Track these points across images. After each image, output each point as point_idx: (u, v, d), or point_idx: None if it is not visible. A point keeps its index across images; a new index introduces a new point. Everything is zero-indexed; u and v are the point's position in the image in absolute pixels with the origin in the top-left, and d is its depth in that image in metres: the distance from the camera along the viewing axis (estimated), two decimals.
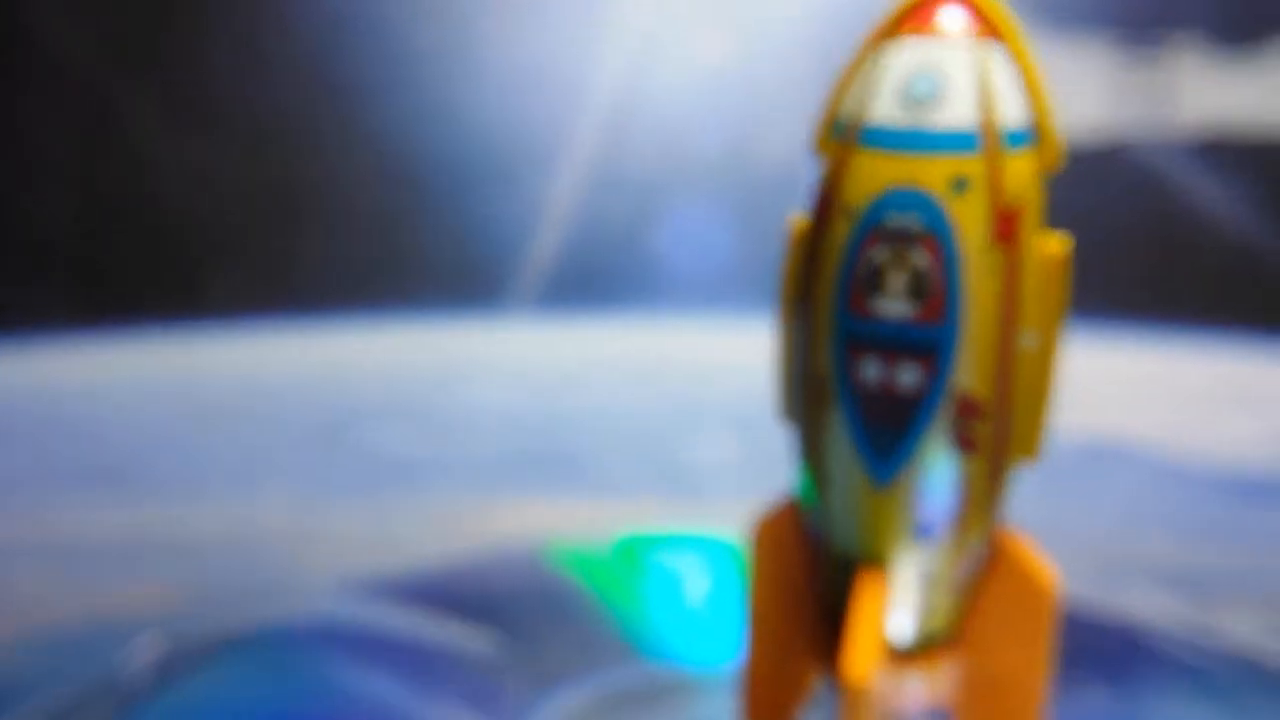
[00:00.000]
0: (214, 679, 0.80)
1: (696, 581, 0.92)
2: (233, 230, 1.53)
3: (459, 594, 0.91)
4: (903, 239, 0.48)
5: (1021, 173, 0.48)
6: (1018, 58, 0.47)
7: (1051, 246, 0.49)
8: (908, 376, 0.50)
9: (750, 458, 1.02)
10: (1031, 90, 0.48)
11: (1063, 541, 1.00)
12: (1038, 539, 1.02)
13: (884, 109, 0.48)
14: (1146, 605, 0.92)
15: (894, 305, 0.49)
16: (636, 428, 1.29)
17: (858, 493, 0.52)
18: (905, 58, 0.48)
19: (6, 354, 1.44)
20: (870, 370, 0.50)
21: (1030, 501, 1.09)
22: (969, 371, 0.49)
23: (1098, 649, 0.83)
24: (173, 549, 1.05)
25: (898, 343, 0.49)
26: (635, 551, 0.96)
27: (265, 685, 0.79)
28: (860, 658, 0.52)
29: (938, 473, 0.51)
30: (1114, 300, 1.43)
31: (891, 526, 0.52)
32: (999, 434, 0.51)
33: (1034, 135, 0.48)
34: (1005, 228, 0.48)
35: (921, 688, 0.58)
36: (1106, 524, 1.08)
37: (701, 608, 0.88)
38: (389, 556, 1.01)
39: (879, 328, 0.49)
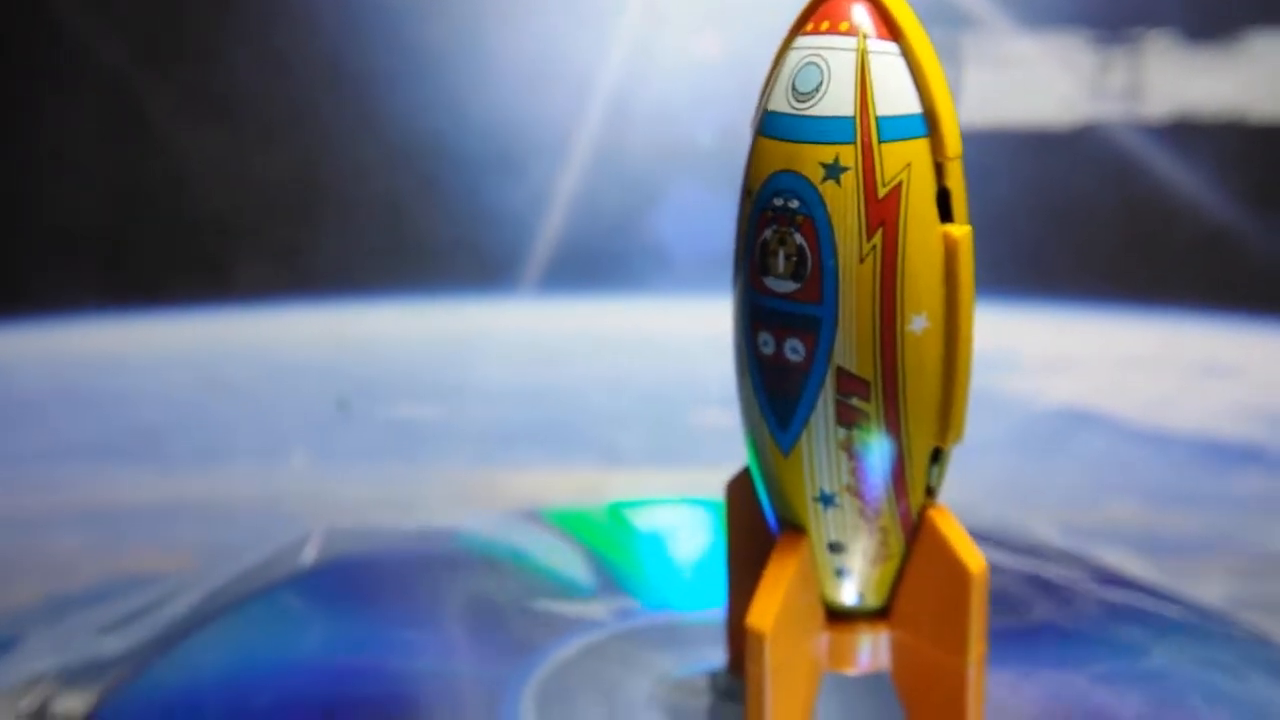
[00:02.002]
0: (237, 632, 0.81)
1: (685, 538, 0.94)
2: (253, 216, 1.56)
3: (463, 551, 0.95)
4: (785, 220, 0.49)
5: (901, 160, 0.48)
6: (912, 53, 0.48)
7: (949, 233, 0.49)
8: (793, 351, 0.51)
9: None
10: (922, 84, 0.48)
11: (1036, 503, 1.05)
12: (1014, 500, 1.07)
13: (777, 100, 0.50)
14: (1114, 564, 0.96)
15: (780, 283, 0.50)
16: (637, 401, 1.32)
17: (769, 458, 0.54)
18: (801, 53, 0.49)
19: (40, 333, 1.47)
20: (766, 344, 0.52)
21: (1007, 465, 1.14)
22: (848, 350, 0.50)
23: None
24: (198, 513, 1.09)
25: (785, 319, 0.50)
26: (628, 513, 0.98)
27: (287, 636, 0.81)
28: (760, 608, 0.54)
29: (828, 445, 0.52)
30: (1089, 277, 1.45)
31: (797, 492, 0.54)
32: (891, 414, 0.51)
33: (925, 125, 0.48)
34: (880, 213, 0.48)
35: (864, 650, 0.58)
36: (1079, 488, 1.11)
37: (690, 561, 0.90)
38: (401, 518, 1.05)
39: (770, 303, 0.51)
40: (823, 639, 0.58)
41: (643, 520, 0.96)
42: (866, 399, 0.51)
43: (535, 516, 0.98)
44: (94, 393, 1.38)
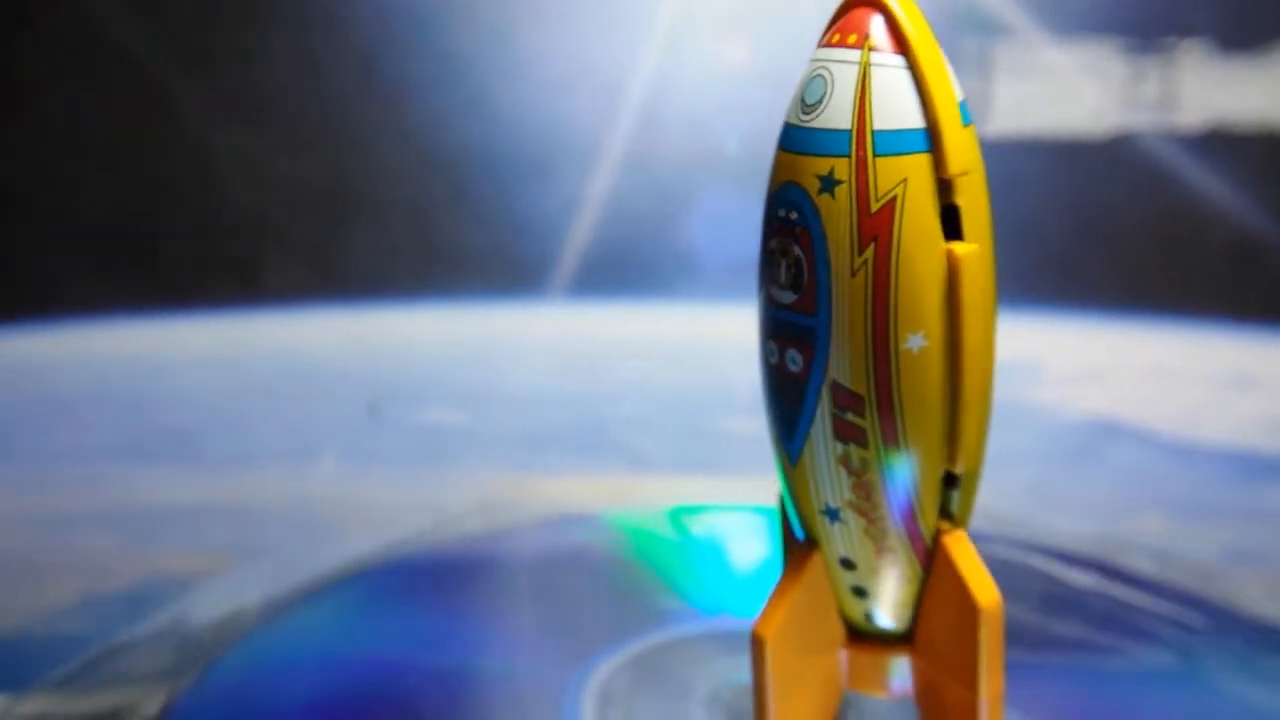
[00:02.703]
0: (280, 630, 0.84)
1: (745, 544, 0.95)
2: (284, 219, 1.57)
3: (505, 556, 0.96)
4: (787, 231, 0.49)
5: (896, 175, 0.47)
6: (917, 67, 0.48)
7: (952, 251, 0.48)
8: (793, 362, 0.50)
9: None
10: (926, 99, 0.47)
11: (1064, 513, 1.05)
12: (1042, 510, 1.07)
13: (792, 112, 0.49)
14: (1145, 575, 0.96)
15: (783, 293, 0.50)
16: (666, 406, 1.32)
17: (783, 468, 0.54)
18: (814, 65, 0.49)
19: (73, 334, 1.48)
20: (772, 353, 0.51)
21: (1034, 475, 1.14)
22: (842, 364, 0.49)
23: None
24: (229, 515, 1.10)
25: (786, 329, 0.50)
26: (688, 519, 0.99)
27: (330, 634, 0.83)
28: (765, 616, 0.54)
29: (828, 459, 0.51)
30: (1119, 287, 1.45)
31: (806, 504, 0.53)
32: (889, 432, 0.50)
33: (926, 141, 0.47)
34: (873, 227, 0.47)
35: (895, 675, 0.57)
36: (1107, 499, 1.11)
37: (749, 566, 0.91)
38: (430, 522, 1.05)
39: (775, 313, 0.51)
40: (841, 656, 0.58)
41: (702, 526, 0.97)
42: (861, 415, 0.50)
43: (596, 520, 0.98)
44: (126, 394, 1.39)
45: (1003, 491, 1.07)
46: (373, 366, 1.44)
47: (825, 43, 0.49)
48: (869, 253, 0.48)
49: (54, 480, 1.18)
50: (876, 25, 0.48)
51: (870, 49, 0.48)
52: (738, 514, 0.99)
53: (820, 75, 0.49)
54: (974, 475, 0.54)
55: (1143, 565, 0.97)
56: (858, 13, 0.49)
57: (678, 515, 0.99)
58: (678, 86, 1.53)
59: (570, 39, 1.55)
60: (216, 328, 1.50)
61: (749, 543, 0.95)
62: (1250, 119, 1.44)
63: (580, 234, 1.52)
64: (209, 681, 0.77)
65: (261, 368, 1.44)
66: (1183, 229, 1.46)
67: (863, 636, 0.58)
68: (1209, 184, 1.44)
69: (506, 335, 1.47)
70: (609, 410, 1.32)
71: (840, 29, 0.49)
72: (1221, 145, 1.44)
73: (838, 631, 0.57)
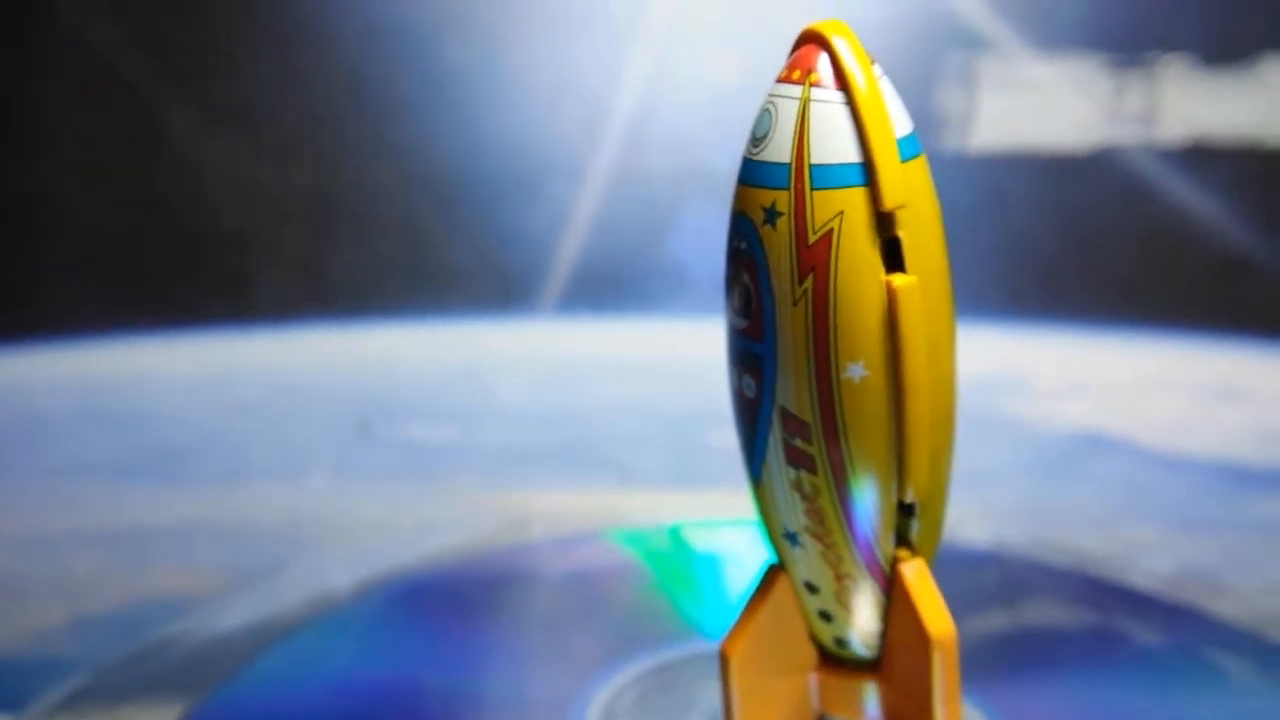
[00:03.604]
0: (273, 654, 0.84)
1: (741, 560, 0.94)
2: (272, 236, 1.57)
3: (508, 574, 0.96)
4: (738, 260, 0.51)
5: (832, 208, 0.48)
6: (854, 102, 0.48)
7: (890, 283, 0.49)
8: (748, 387, 0.52)
9: None
10: (861, 135, 0.48)
11: (1053, 526, 1.06)
12: (1036, 523, 1.07)
13: (747, 145, 0.51)
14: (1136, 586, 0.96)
15: (737, 319, 0.51)
16: (655, 421, 1.32)
17: (751, 489, 0.55)
18: (765, 100, 0.50)
19: (60, 353, 1.48)
20: (733, 377, 0.53)
21: (1022, 489, 1.15)
22: (788, 390, 0.50)
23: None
24: (218, 533, 1.10)
25: (741, 354, 0.52)
26: (686, 537, 1.00)
27: (334, 655, 0.84)
28: (731, 634, 0.56)
29: (783, 484, 0.52)
30: (1104, 300, 1.46)
31: (770, 526, 0.55)
32: (836, 459, 0.51)
33: (863, 175, 0.48)
34: (810, 258, 0.48)
35: (868, 699, 0.58)
36: (1096, 511, 1.11)
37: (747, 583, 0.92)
38: (421, 539, 1.05)
39: (734, 338, 0.52)
40: (812, 679, 0.58)
41: (703, 542, 0.97)
42: (809, 441, 0.51)
43: (598, 536, 0.99)
44: (114, 413, 1.39)
45: (989, 505, 1.08)
46: (362, 383, 1.44)
47: (778, 78, 0.50)
48: (808, 283, 0.49)
49: (42, 499, 1.18)
50: (821, 61, 0.49)
51: (812, 84, 0.49)
52: (736, 529, 0.99)
53: (768, 110, 0.50)
54: (935, 505, 0.54)
55: (1130, 576, 0.97)
56: (806, 49, 0.50)
57: (677, 532, 1.00)
58: (665, 102, 1.54)
59: (558, 55, 1.56)
60: (205, 345, 1.50)
61: (749, 559, 0.95)
62: (1232, 133, 1.45)
63: (568, 250, 1.52)
64: (218, 702, 0.77)
65: (251, 385, 1.44)
66: (1166, 242, 1.47)
67: (835, 660, 0.58)
68: (1192, 197, 1.45)
69: (495, 351, 1.47)
70: (598, 426, 1.32)
71: (789, 65, 0.50)
72: (1204, 159, 1.45)
73: (809, 654, 0.58)
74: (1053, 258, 1.49)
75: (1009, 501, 1.10)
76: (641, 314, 1.49)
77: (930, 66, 1.47)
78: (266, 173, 1.58)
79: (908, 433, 0.50)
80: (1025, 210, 1.48)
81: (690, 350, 1.43)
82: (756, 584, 0.57)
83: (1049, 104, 1.48)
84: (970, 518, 1.02)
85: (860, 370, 0.49)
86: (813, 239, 0.48)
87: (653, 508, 1.11)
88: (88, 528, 1.12)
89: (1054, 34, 1.48)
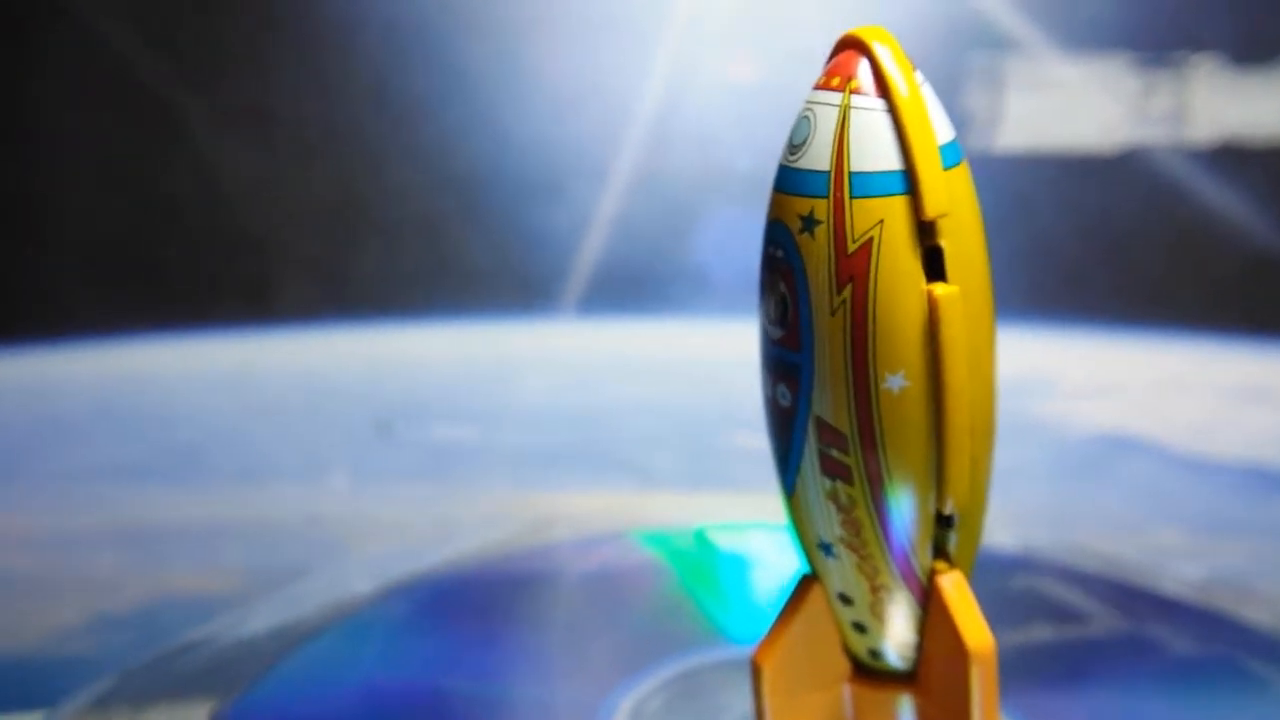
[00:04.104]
0: (298, 657, 0.84)
1: (769, 564, 0.95)
2: (293, 237, 1.57)
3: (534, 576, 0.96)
4: (775, 269, 0.50)
5: (872, 217, 0.48)
6: (896, 110, 0.48)
7: (932, 292, 0.48)
8: (783, 396, 0.51)
9: None
10: (904, 143, 0.48)
11: (1078, 528, 1.05)
12: (1062, 526, 1.06)
13: (783, 152, 0.50)
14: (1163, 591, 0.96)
15: (773, 328, 0.51)
16: (674, 423, 1.32)
17: (784, 498, 0.54)
18: (804, 106, 0.50)
19: (83, 354, 1.49)
20: (767, 385, 0.52)
21: (1047, 490, 1.14)
22: (825, 401, 0.49)
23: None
24: (238, 534, 1.10)
25: (776, 363, 0.51)
26: (711, 539, 0.99)
27: (360, 658, 0.83)
28: (763, 644, 0.55)
29: (818, 494, 0.52)
30: (1132, 301, 1.45)
31: (804, 537, 0.54)
32: (874, 470, 0.50)
33: (904, 184, 0.48)
34: (849, 268, 0.48)
35: (903, 713, 0.57)
36: (1121, 513, 1.11)
37: (776, 587, 0.92)
38: (441, 541, 1.06)
39: (769, 347, 0.51)
40: (846, 690, 0.58)
41: (728, 545, 0.97)
42: (846, 452, 0.50)
43: (622, 538, 0.99)
44: (136, 414, 1.39)
45: (1015, 508, 1.07)
46: (383, 384, 1.44)
47: (816, 84, 0.50)
48: (847, 293, 0.48)
49: (64, 500, 1.19)
50: (861, 68, 0.49)
51: (852, 91, 0.49)
52: (763, 533, 0.99)
53: (806, 117, 0.49)
54: (973, 516, 0.54)
55: (1158, 581, 0.97)
56: (845, 55, 0.49)
57: (702, 535, 1.00)
58: (687, 103, 1.54)
59: (580, 56, 1.56)
60: (227, 346, 1.50)
61: (774, 562, 0.95)
62: (1261, 133, 1.44)
63: (590, 251, 1.52)
64: (246, 704, 0.78)
65: (272, 386, 1.45)
66: (1194, 243, 1.46)
67: (869, 672, 0.58)
68: (1220, 198, 1.44)
69: (516, 352, 1.48)
70: (617, 427, 1.32)
71: (828, 71, 0.49)
72: (1232, 159, 1.44)
73: (842, 665, 0.57)
74: (1079, 259, 1.48)
75: (1035, 504, 1.10)
76: (662, 315, 1.49)
77: (957, 67, 1.47)
78: (287, 174, 1.58)
79: (948, 444, 0.50)
80: (1052, 211, 1.47)
81: (710, 352, 1.43)
82: (789, 594, 0.57)
83: (1076, 104, 1.47)
84: (996, 521, 1.01)
85: (900, 381, 0.49)
86: (852, 248, 0.48)
87: (671, 509, 1.11)
88: (107, 528, 1.12)
89: (1081, 34, 1.47)
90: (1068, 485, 1.16)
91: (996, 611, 0.83)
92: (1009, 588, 0.92)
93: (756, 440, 0.55)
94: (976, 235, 0.50)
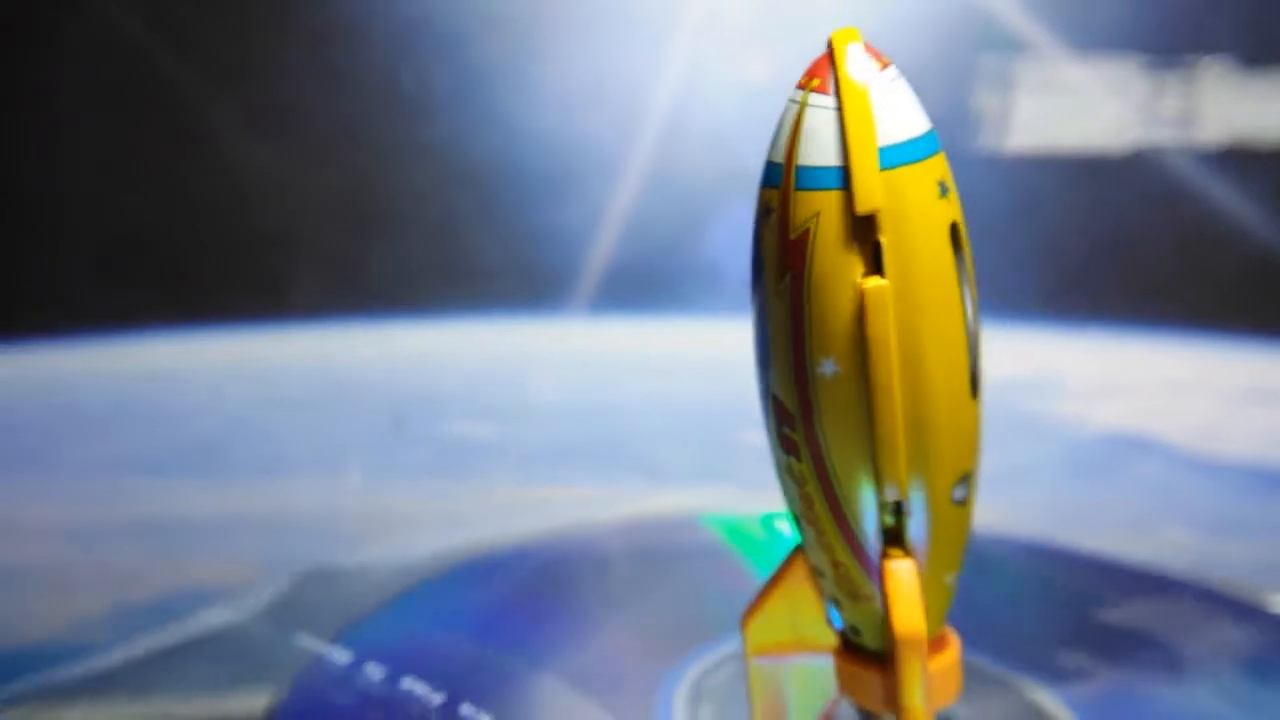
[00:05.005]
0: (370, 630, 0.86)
1: None
2: (309, 233, 1.58)
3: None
4: (754, 253, 0.53)
5: (810, 209, 0.50)
6: (842, 108, 0.49)
7: (860, 284, 0.50)
8: (759, 372, 0.54)
9: None
10: (843, 138, 0.49)
11: (1087, 528, 1.06)
12: (1068, 526, 1.07)
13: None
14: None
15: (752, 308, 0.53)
16: (686, 419, 1.33)
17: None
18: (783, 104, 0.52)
19: (100, 348, 1.50)
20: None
21: (1055, 489, 1.15)
22: (777, 380, 0.52)
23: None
24: (255, 527, 1.11)
25: (758, 339, 0.54)
26: (779, 526, 1.00)
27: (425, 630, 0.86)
28: (749, 606, 0.58)
29: (780, 469, 0.54)
30: (1139, 302, 1.45)
31: (786, 507, 0.57)
32: (815, 451, 0.52)
33: (841, 179, 0.49)
34: (789, 255, 0.50)
35: (870, 688, 0.58)
36: (1129, 513, 1.12)
37: None
38: (459, 533, 1.07)
39: (756, 324, 0.54)
40: (831, 661, 0.59)
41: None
42: (794, 430, 0.52)
43: (693, 522, 1.00)
44: (153, 407, 1.41)
45: (1022, 507, 1.08)
46: (397, 380, 1.45)
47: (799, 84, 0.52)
48: (787, 279, 0.50)
49: (83, 492, 1.20)
50: (823, 69, 0.51)
51: (811, 90, 0.50)
52: None
53: (783, 114, 0.52)
54: (947, 514, 0.54)
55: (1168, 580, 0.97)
56: (822, 57, 0.51)
57: (769, 520, 1.01)
58: (701, 101, 1.54)
59: (593, 54, 1.57)
60: (242, 341, 1.51)
61: None
62: (1271, 135, 1.44)
63: (603, 248, 1.53)
64: (304, 688, 0.79)
65: (287, 381, 1.46)
66: (1203, 244, 1.46)
67: (853, 649, 0.59)
68: (1229, 200, 1.44)
69: (529, 349, 1.48)
70: (630, 423, 1.33)
71: (805, 71, 0.52)
72: (1242, 161, 1.44)
73: (826, 637, 0.59)
74: (1088, 259, 1.49)
75: (1041, 503, 1.11)
76: (674, 313, 1.50)
77: (966, 68, 1.47)
78: (303, 171, 1.59)
79: (877, 432, 0.51)
80: (1060, 212, 1.48)
81: (722, 349, 1.44)
82: (779, 562, 0.59)
83: (1086, 106, 1.47)
84: (1003, 520, 1.02)
85: (832, 367, 0.50)
86: (793, 236, 0.50)
87: (684, 505, 1.12)
88: (125, 520, 1.13)
89: (1091, 36, 1.47)
90: (1074, 485, 1.17)
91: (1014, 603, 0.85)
92: (1021, 579, 0.94)
93: (764, 439, 0.56)
94: (933, 233, 0.51)
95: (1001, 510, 1.02)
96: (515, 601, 0.88)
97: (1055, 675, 0.78)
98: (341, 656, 0.82)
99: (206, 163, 1.58)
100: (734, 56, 1.55)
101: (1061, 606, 0.91)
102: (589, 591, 0.90)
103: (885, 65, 0.51)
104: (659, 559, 0.97)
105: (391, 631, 0.86)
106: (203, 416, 1.38)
